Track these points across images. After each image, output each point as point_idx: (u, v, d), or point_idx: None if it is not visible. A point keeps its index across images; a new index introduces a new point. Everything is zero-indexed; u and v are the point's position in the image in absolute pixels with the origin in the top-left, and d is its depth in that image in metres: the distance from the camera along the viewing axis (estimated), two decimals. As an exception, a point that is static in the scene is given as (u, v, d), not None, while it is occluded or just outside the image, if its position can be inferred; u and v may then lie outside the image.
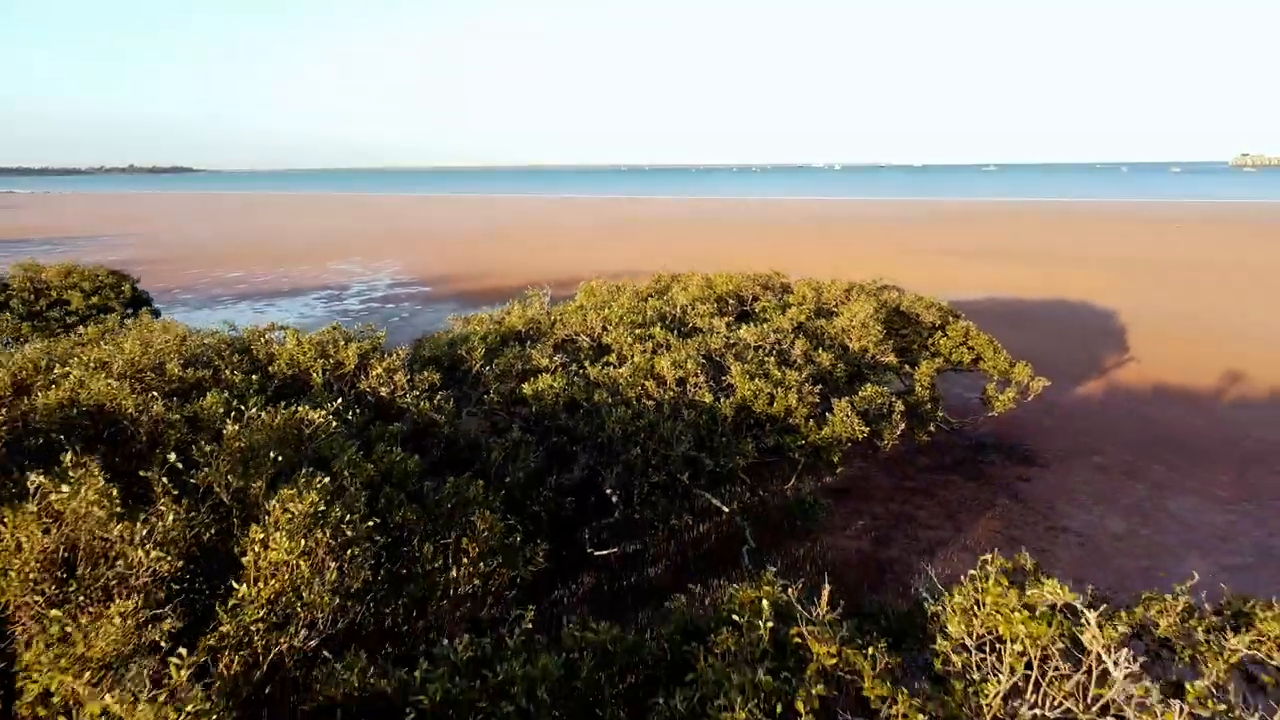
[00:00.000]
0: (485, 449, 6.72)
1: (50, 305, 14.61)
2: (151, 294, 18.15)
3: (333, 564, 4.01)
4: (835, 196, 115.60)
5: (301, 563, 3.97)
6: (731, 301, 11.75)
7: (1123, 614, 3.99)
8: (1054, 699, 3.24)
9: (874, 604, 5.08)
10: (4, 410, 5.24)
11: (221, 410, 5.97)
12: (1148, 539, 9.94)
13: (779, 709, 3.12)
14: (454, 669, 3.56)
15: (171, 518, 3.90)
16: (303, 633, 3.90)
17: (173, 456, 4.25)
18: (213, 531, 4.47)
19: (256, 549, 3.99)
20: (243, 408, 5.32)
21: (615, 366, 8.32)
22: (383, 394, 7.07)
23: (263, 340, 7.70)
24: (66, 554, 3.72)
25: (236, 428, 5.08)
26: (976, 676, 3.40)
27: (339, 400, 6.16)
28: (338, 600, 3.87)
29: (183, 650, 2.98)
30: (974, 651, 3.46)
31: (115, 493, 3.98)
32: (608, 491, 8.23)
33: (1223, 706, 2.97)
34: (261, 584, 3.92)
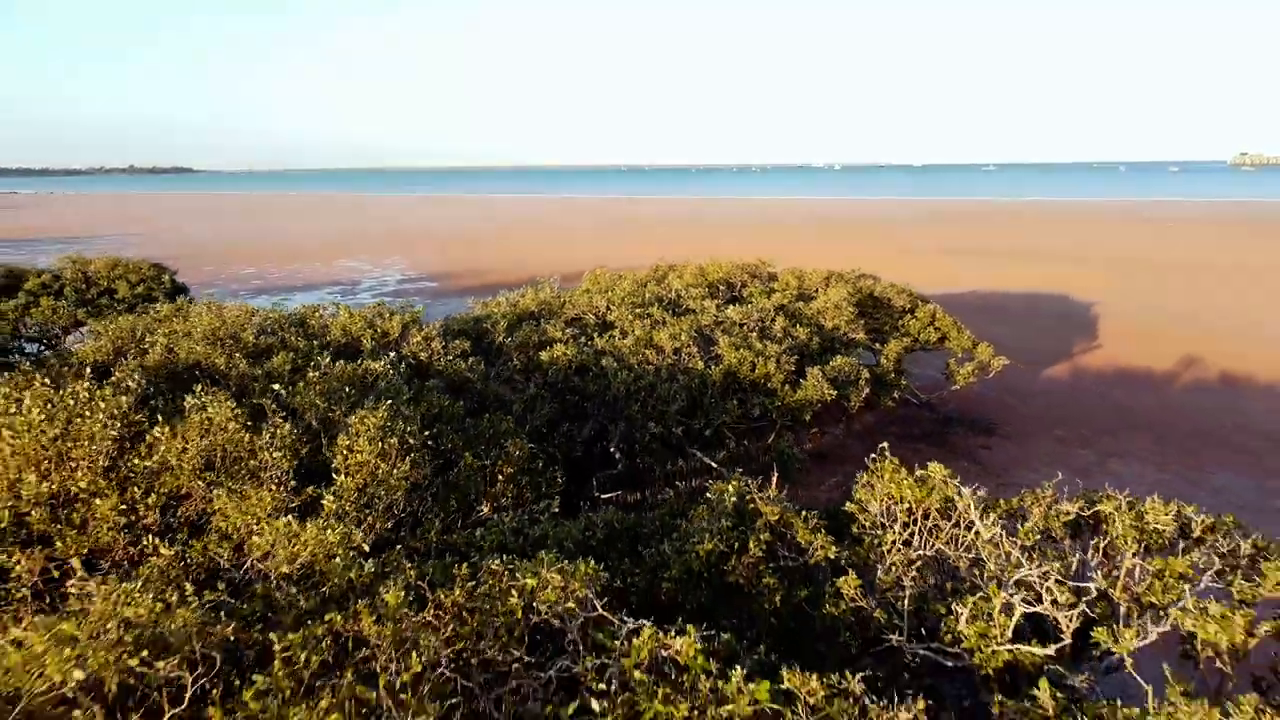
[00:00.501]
0: (509, 402, 8.03)
1: (100, 294, 15.92)
2: (179, 287, 19.49)
3: (401, 463, 5.32)
4: (835, 196, 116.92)
5: (380, 462, 5.28)
6: (722, 287, 13.05)
7: (1001, 502, 5.32)
8: (932, 544, 4.55)
9: (815, 502, 6.38)
10: (135, 360, 6.54)
11: (289, 368, 7.29)
12: (1082, 488, 11.23)
13: (736, 545, 4.43)
14: (502, 533, 4.87)
15: (287, 428, 5.21)
16: (384, 514, 5.21)
17: (277, 386, 5.56)
18: (308, 448, 5.77)
19: (344, 452, 5.29)
20: (317, 359, 6.63)
21: (619, 338, 9.62)
22: (422, 358, 8.37)
23: (316, 315, 9.02)
24: (213, 454, 5.03)
25: (316, 374, 6.39)
26: (880, 533, 4.71)
27: (388, 359, 7.47)
28: (408, 484, 5.16)
29: (328, 496, 4.29)
30: (880, 516, 4.77)
31: (241, 412, 5.29)
32: (612, 449, 9.54)
33: (1038, 535, 4.28)
34: (351, 477, 5.22)
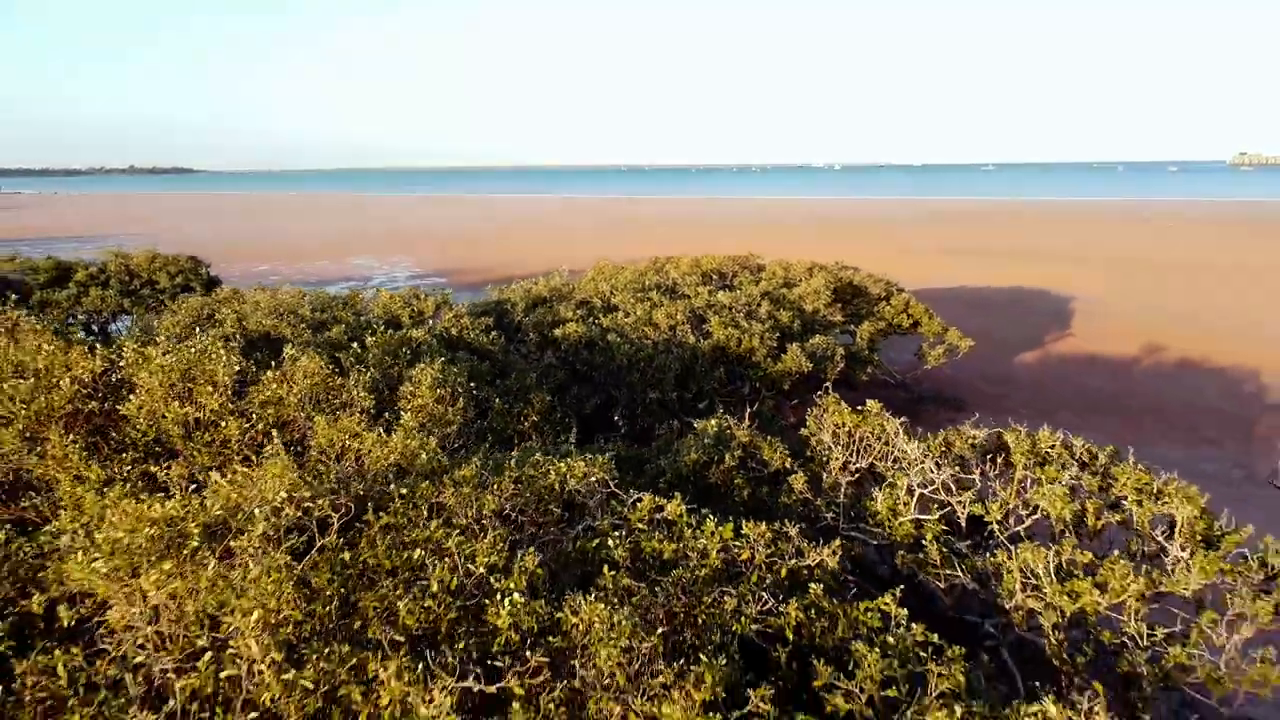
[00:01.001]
0: (527, 371, 9.38)
1: (142, 285, 17.29)
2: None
3: (454, 405, 6.67)
4: (835, 196, 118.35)
5: (436, 405, 6.63)
6: (715, 277, 14.41)
7: (930, 435, 6.68)
8: (866, 459, 5.90)
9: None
10: (216, 329, 7.90)
11: (346, 337, 8.64)
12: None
13: (715, 459, 5.79)
14: (534, 453, 6.22)
15: (367, 375, 6.56)
16: (441, 442, 6.55)
17: (355, 346, 6.91)
18: (373, 399, 7.13)
19: (409, 396, 6.65)
20: (374, 327, 7.99)
21: (622, 318, 10.98)
22: (453, 332, 9.72)
23: (359, 297, 10.38)
24: (311, 393, 6.38)
25: (374, 339, 7.75)
26: (827, 452, 6.06)
27: (428, 329, 8.84)
28: (460, 420, 6.50)
29: (404, 417, 5.65)
30: (829, 441, 6.12)
31: (327, 364, 6.65)
32: (616, 419, 10.90)
33: (951, 456, 5.64)
34: (415, 415, 6.58)
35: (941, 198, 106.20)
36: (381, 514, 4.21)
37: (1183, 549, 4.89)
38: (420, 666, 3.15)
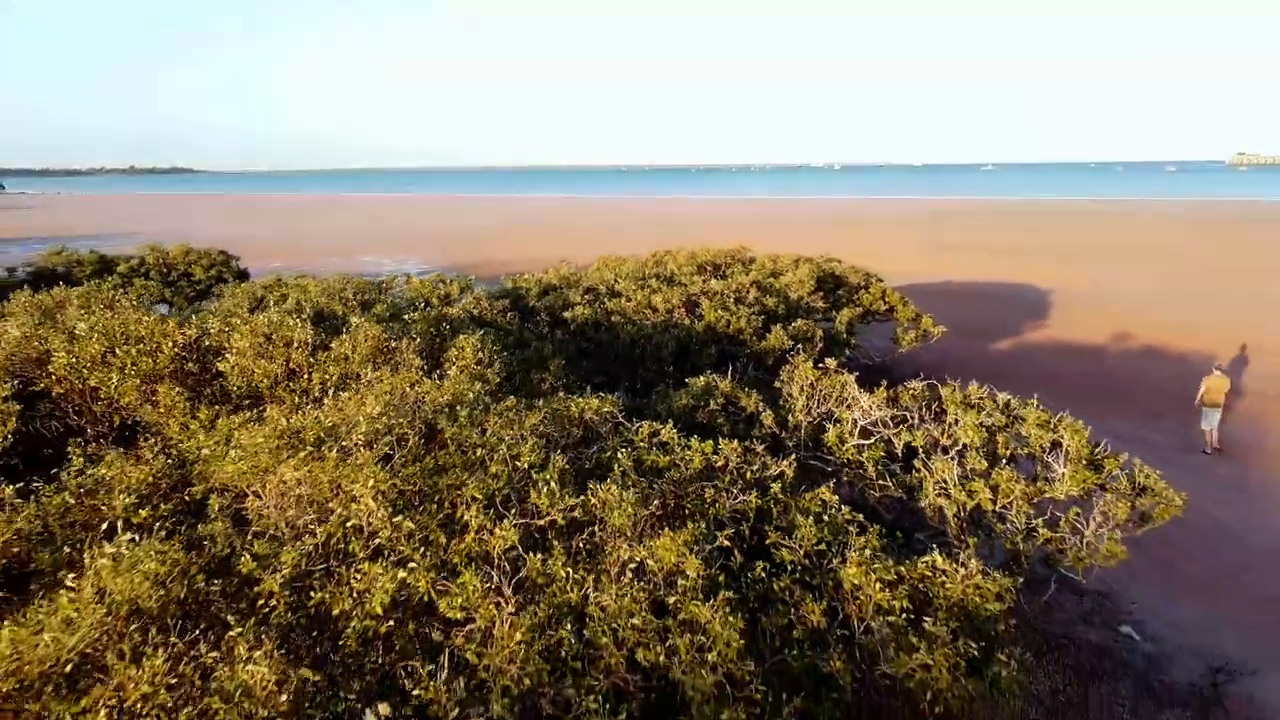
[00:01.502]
0: (541, 346, 10.77)
1: (179, 277, 18.67)
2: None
3: (492, 365, 8.05)
4: (834, 196, 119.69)
5: (477, 365, 8.01)
6: (709, 268, 15.79)
7: (883, 387, 8.07)
8: (825, 406, 7.28)
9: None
10: (279, 305, 9.29)
11: (389, 314, 10.03)
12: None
13: (702, 404, 7.17)
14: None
15: (417, 341, 7.95)
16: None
17: (406, 317, 8.29)
18: (421, 361, 8.51)
19: (454, 357, 8.03)
20: (415, 303, 9.37)
21: (625, 303, 12.37)
22: (475, 312, 11.11)
23: (394, 281, 11.78)
24: (370, 354, 7.76)
25: (418, 314, 9.14)
26: (794, 400, 7.44)
27: (459, 307, 10.22)
28: (499, 379, 7.88)
29: (451, 370, 7.05)
30: (796, 392, 7.50)
31: (383, 332, 8.04)
32: (617, 395, 12.28)
33: (887, 399, 7.02)
34: (461, 373, 7.95)
35: (939, 197, 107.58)
36: (448, 427, 5.60)
37: (1065, 467, 6.28)
38: (490, 511, 4.55)
